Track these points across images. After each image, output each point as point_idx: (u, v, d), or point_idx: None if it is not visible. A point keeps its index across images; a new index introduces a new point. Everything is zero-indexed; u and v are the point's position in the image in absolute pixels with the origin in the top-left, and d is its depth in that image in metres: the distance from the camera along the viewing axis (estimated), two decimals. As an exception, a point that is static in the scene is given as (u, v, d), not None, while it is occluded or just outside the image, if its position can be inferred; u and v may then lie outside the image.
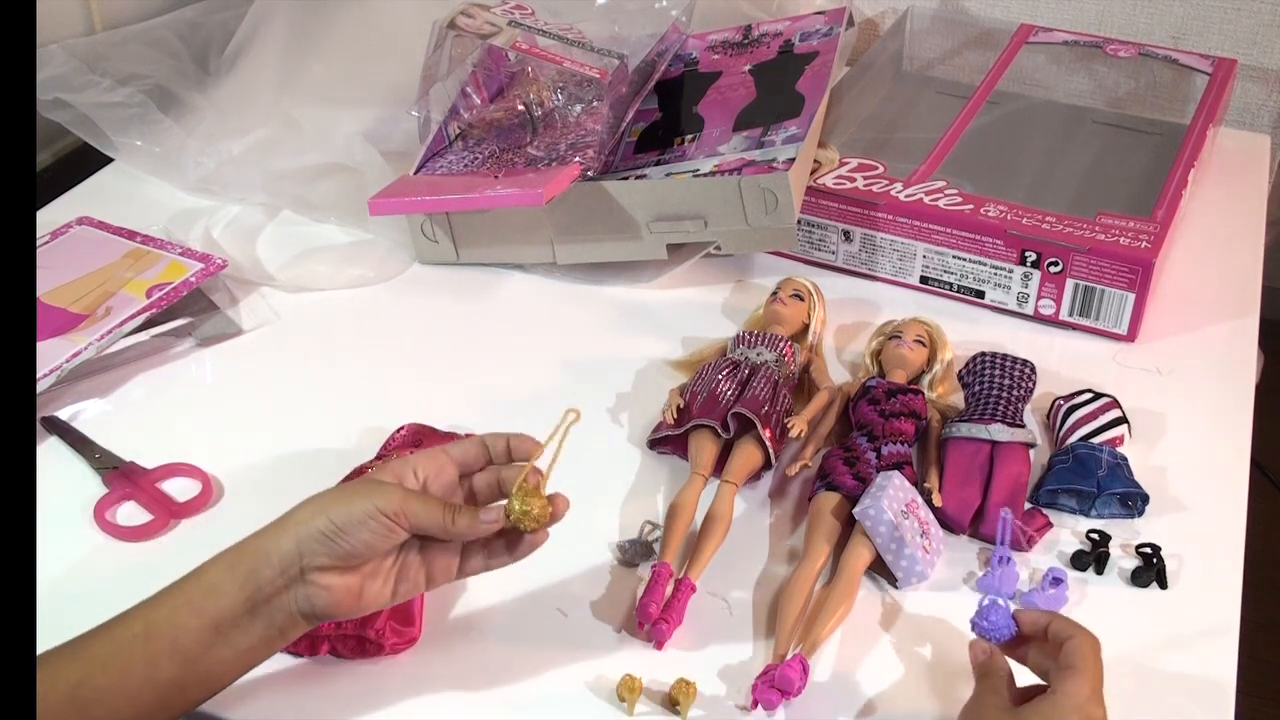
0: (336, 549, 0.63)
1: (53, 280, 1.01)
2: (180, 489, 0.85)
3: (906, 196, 1.03)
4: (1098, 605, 0.77)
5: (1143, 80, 1.34)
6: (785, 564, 0.80)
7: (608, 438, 0.90)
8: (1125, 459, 0.85)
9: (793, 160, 0.99)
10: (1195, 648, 0.74)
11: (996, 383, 0.89)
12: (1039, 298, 1.01)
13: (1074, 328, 1.01)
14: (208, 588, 0.63)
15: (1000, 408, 0.87)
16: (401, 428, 0.87)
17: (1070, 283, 0.99)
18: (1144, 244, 0.97)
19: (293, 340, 1.01)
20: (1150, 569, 0.79)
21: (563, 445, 0.67)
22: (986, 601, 0.66)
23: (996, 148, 1.17)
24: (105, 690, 0.60)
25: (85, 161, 1.21)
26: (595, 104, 1.13)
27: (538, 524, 0.67)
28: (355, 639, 0.73)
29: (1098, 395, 0.90)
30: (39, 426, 0.90)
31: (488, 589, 0.78)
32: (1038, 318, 1.02)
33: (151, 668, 0.61)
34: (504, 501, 0.68)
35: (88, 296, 0.99)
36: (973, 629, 0.66)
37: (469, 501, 0.71)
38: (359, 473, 0.82)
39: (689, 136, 1.10)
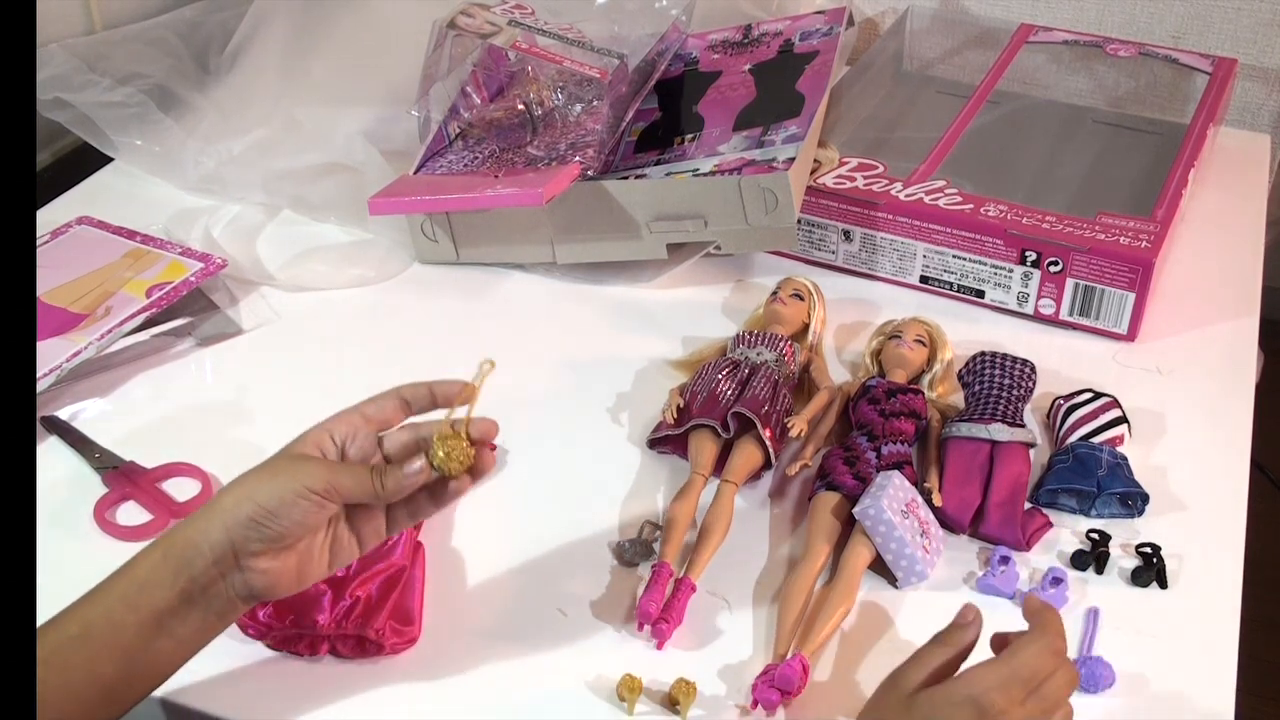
0: (268, 533, 0.63)
1: (53, 280, 1.01)
2: (180, 489, 0.85)
3: (906, 196, 1.03)
4: (1098, 605, 0.77)
5: (1143, 80, 1.34)
6: (785, 564, 0.80)
7: (608, 438, 0.90)
8: (1125, 459, 0.85)
9: (793, 160, 0.99)
10: (1195, 648, 0.74)
11: (996, 382, 0.89)
12: (1039, 297, 1.01)
13: (1074, 327, 1.01)
14: (141, 583, 0.62)
15: (1000, 407, 0.87)
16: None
17: (1070, 282, 0.99)
18: (1144, 244, 0.97)
19: (293, 340, 1.01)
20: (1150, 569, 0.79)
21: (476, 395, 0.66)
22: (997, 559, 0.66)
23: (996, 148, 1.17)
24: (48, 693, 0.59)
25: (85, 161, 1.21)
26: (595, 104, 1.13)
27: (462, 467, 0.66)
28: (355, 639, 0.73)
29: (1098, 395, 0.90)
30: (39, 426, 0.90)
31: (488, 589, 0.78)
32: (1038, 317, 1.02)
33: (92, 666, 0.61)
34: (426, 451, 0.67)
35: (88, 296, 0.99)
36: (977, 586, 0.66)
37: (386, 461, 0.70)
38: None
39: (689, 136, 1.10)
